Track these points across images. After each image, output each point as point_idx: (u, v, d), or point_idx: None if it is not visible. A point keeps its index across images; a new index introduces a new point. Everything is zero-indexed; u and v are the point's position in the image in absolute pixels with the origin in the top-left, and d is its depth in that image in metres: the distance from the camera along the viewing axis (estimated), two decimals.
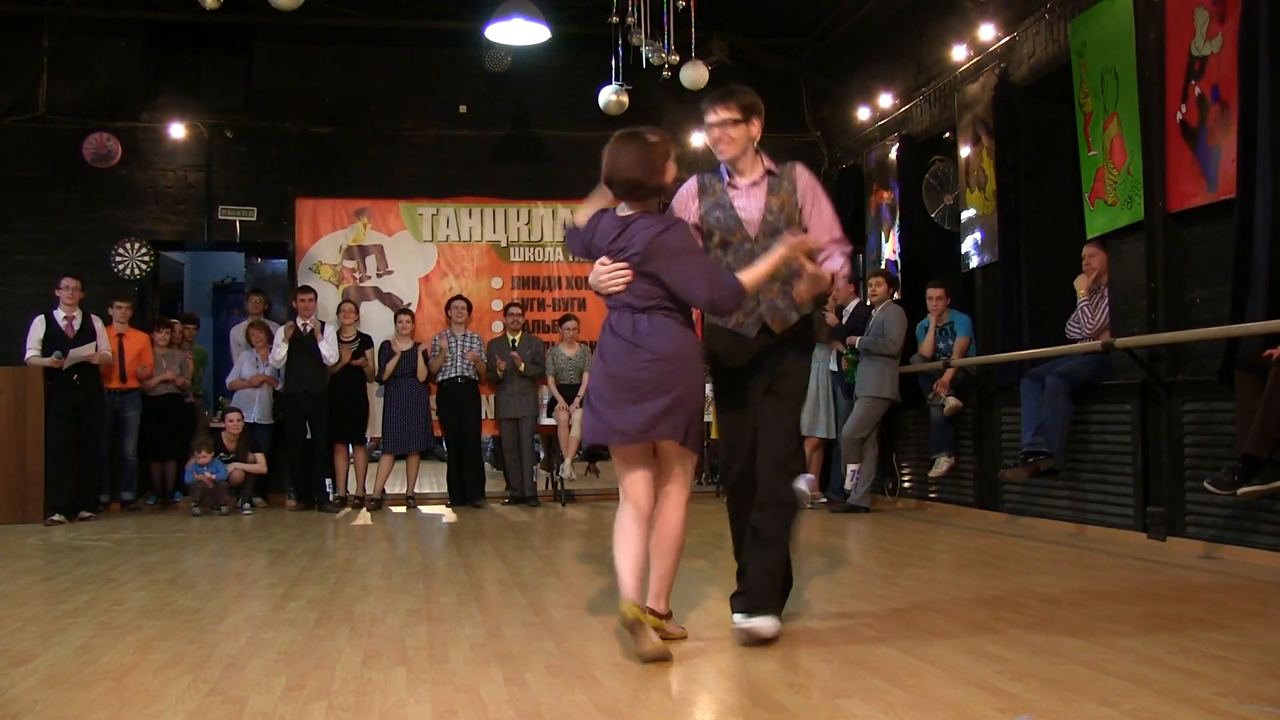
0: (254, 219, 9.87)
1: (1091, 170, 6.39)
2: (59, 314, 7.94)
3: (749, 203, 3.50)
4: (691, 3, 7.49)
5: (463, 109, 10.22)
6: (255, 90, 10.03)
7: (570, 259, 9.95)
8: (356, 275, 9.76)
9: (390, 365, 8.84)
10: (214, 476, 8.38)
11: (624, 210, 3.35)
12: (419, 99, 10.17)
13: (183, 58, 10.20)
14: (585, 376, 9.15)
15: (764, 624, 3.34)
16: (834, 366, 8.25)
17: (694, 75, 8.76)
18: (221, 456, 8.53)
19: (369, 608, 4.14)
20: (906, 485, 8.48)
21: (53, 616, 4.04)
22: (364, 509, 8.77)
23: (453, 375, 8.97)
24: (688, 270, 3.24)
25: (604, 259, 3.32)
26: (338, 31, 9.96)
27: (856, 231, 9.83)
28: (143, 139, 9.75)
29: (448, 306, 9.20)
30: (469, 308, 9.20)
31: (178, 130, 9.68)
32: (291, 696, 2.81)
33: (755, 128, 3.49)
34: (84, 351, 7.86)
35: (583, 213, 3.47)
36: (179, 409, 8.97)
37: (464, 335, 9.07)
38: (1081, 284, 6.45)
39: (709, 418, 8.81)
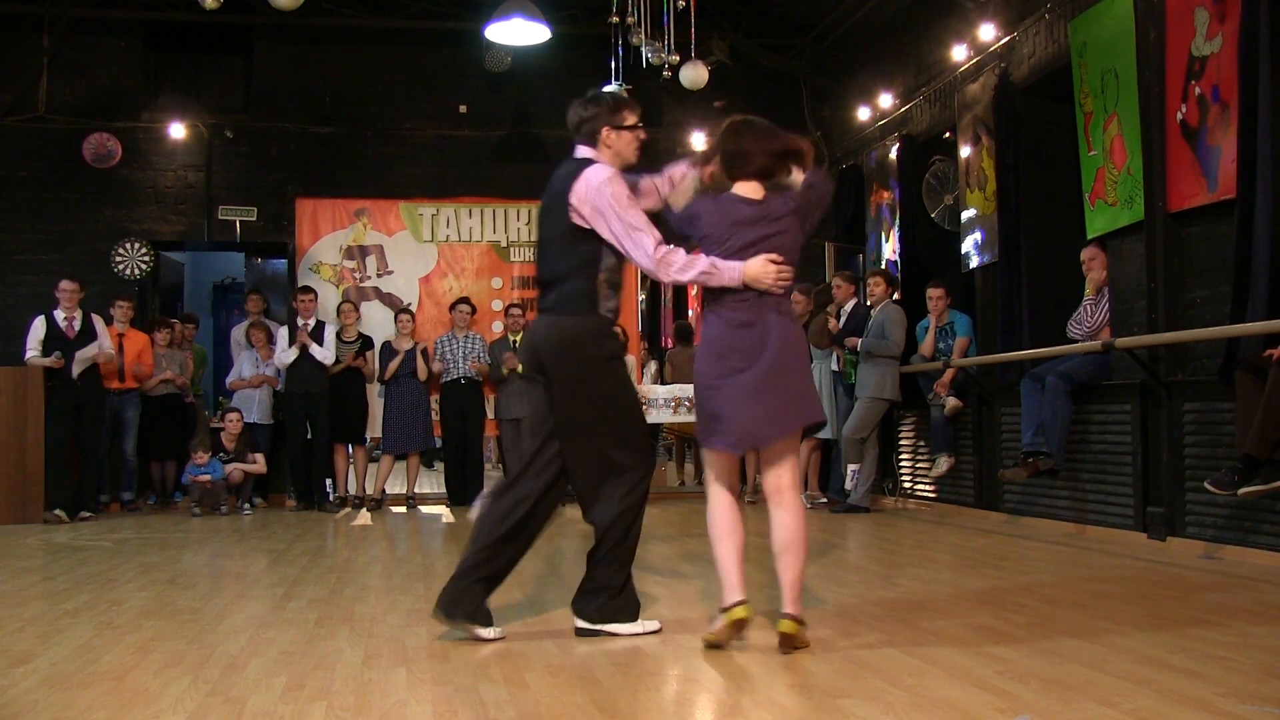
0: (254, 219, 9.88)
1: (1091, 170, 6.39)
2: (59, 314, 7.94)
3: None
4: (691, 3, 7.50)
5: (463, 109, 10.23)
6: (255, 90, 10.04)
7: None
8: (356, 275, 9.76)
9: (392, 366, 8.82)
10: (210, 478, 8.37)
11: (750, 193, 3.39)
12: (419, 99, 10.18)
13: (183, 58, 10.22)
14: None
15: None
16: (835, 366, 8.25)
17: (694, 75, 8.77)
18: (221, 457, 8.52)
19: (369, 608, 4.14)
20: (906, 485, 8.48)
21: (53, 616, 4.04)
22: (364, 509, 8.77)
23: (455, 377, 8.96)
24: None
25: (774, 255, 3.31)
26: (338, 31, 9.97)
27: (857, 231, 9.84)
28: (143, 139, 9.75)
29: (452, 309, 9.19)
30: (473, 312, 9.19)
31: (178, 130, 9.69)
32: (291, 696, 2.81)
33: None
34: (88, 353, 7.86)
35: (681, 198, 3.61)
36: (179, 409, 8.96)
37: (465, 337, 9.07)
38: (1091, 286, 6.42)
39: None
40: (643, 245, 3.35)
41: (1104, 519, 6.13)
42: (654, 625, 3.56)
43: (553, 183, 3.56)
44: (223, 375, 10.36)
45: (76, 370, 7.79)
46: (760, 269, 3.29)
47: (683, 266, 3.34)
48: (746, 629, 3.29)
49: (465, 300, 9.21)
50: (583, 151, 3.57)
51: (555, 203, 3.49)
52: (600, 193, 3.39)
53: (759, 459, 3.42)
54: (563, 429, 3.47)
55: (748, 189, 3.40)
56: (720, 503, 3.39)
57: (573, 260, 3.45)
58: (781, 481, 3.38)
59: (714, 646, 3.25)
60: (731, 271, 3.30)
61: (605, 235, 3.40)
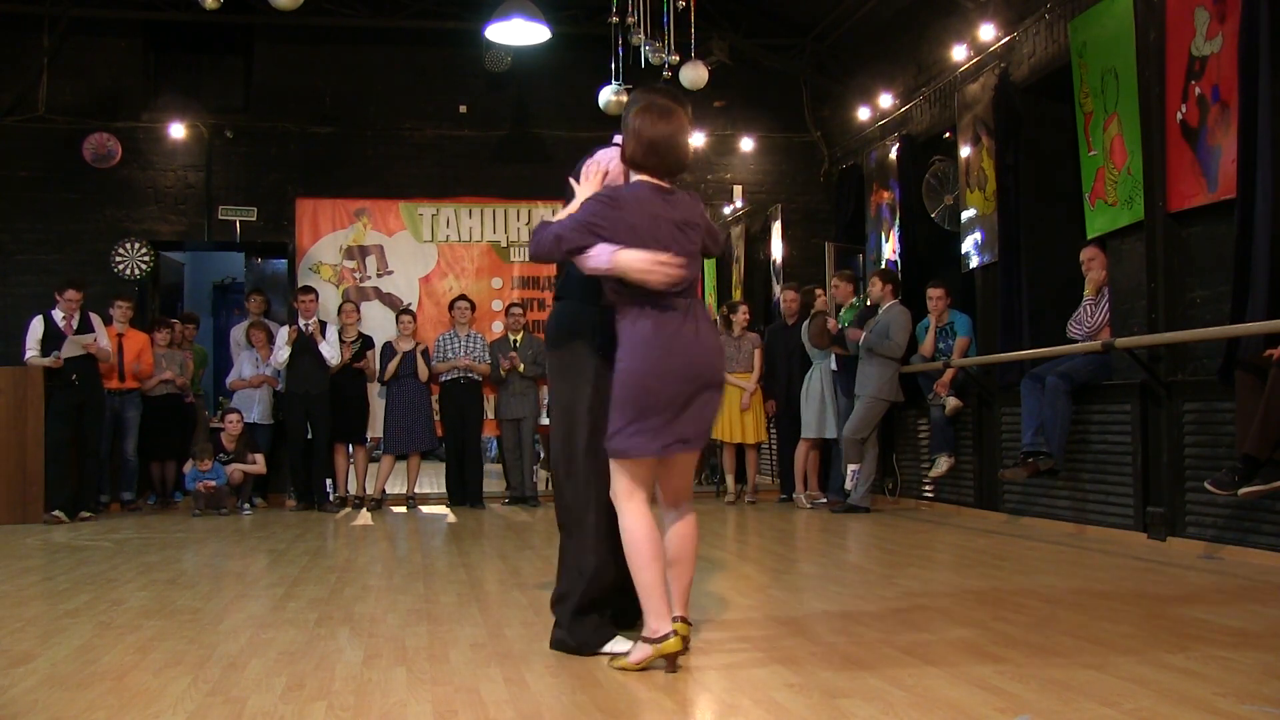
0: (254, 219, 9.88)
1: (1091, 170, 6.39)
2: (57, 314, 7.94)
3: None
4: (691, 3, 7.49)
5: (463, 109, 10.23)
6: (255, 90, 10.04)
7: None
8: (356, 275, 9.76)
9: (391, 366, 8.83)
10: (214, 483, 8.37)
11: (648, 179, 3.10)
12: (419, 99, 10.18)
13: (183, 58, 10.22)
14: None
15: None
16: (834, 366, 8.25)
17: (694, 75, 8.77)
18: (221, 458, 8.52)
19: (369, 608, 4.14)
20: (907, 485, 8.48)
21: (53, 616, 4.04)
22: (364, 509, 8.77)
23: (455, 376, 8.97)
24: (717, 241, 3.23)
25: (664, 256, 2.98)
26: (338, 31, 9.97)
27: (856, 231, 9.84)
28: (143, 139, 9.76)
29: (451, 307, 9.20)
30: (472, 308, 9.20)
31: (178, 130, 9.69)
32: (291, 696, 2.81)
33: None
34: (84, 339, 7.85)
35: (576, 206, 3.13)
36: (179, 409, 8.97)
37: (468, 336, 9.07)
38: (1091, 287, 6.41)
39: None
40: (556, 220, 3.10)
41: (1104, 519, 6.13)
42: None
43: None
44: (223, 375, 10.36)
45: (66, 352, 7.76)
46: (643, 266, 2.95)
47: (574, 245, 3.02)
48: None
49: (464, 297, 9.21)
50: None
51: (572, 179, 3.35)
52: (597, 162, 3.23)
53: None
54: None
55: (653, 176, 3.11)
56: (648, 523, 3.04)
57: None
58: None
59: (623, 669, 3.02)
60: (600, 257, 3.00)
61: None
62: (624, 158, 3.15)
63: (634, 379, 3.00)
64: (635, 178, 3.14)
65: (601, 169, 3.22)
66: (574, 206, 3.15)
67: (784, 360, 8.83)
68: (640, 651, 3.02)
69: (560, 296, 3.38)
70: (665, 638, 2.97)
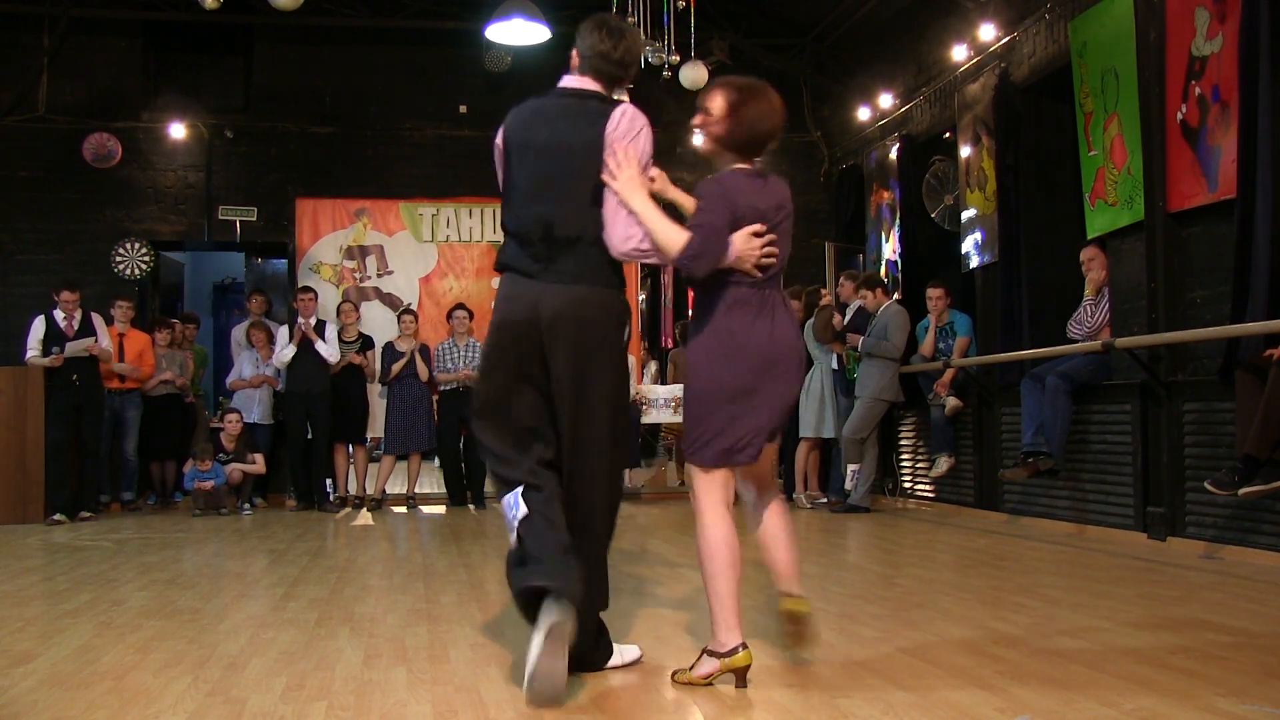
0: (254, 219, 9.88)
1: (1091, 170, 6.39)
2: (59, 314, 7.94)
3: None
4: (691, 3, 7.50)
5: (463, 109, 10.23)
6: (255, 90, 10.04)
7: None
8: (356, 275, 9.76)
9: (396, 367, 8.82)
10: (214, 484, 8.37)
11: (743, 165, 2.90)
12: (419, 99, 10.18)
13: (183, 58, 10.23)
14: None
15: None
16: (834, 365, 8.25)
17: (694, 75, 8.77)
18: (220, 458, 8.52)
19: (369, 608, 4.14)
20: (906, 485, 8.48)
21: (53, 616, 4.04)
22: (364, 509, 8.77)
23: (455, 386, 8.96)
24: None
25: (757, 225, 2.81)
26: (338, 31, 9.97)
27: (856, 231, 9.84)
28: (143, 139, 9.76)
29: (449, 316, 9.18)
30: (470, 316, 9.19)
31: (178, 130, 9.69)
32: (291, 696, 2.81)
33: None
34: (81, 344, 7.85)
35: (655, 210, 2.81)
36: (179, 409, 8.96)
37: (467, 345, 9.07)
38: (1091, 287, 6.42)
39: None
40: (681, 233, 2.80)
41: (1104, 519, 6.13)
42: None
43: (565, 114, 2.90)
44: (223, 375, 10.36)
45: (66, 355, 7.77)
46: (744, 244, 2.79)
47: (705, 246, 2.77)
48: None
49: (461, 306, 9.19)
50: (590, 84, 2.95)
51: (580, 135, 2.84)
52: (638, 142, 2.82)
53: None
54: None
55: (744, 161, 2.91)
56: (728, 529, 2.83)
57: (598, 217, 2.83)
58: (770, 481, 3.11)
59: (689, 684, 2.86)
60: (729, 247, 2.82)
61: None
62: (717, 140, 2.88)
63: (726, 382, 2.83)
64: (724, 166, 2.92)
65: (642, 161, 2.85)
66: (641, 205, 2.79)
67: None
68: (707, 665, 2.84)
69: (595, 283, 2.88)
70: (734, 651, 2.80)
